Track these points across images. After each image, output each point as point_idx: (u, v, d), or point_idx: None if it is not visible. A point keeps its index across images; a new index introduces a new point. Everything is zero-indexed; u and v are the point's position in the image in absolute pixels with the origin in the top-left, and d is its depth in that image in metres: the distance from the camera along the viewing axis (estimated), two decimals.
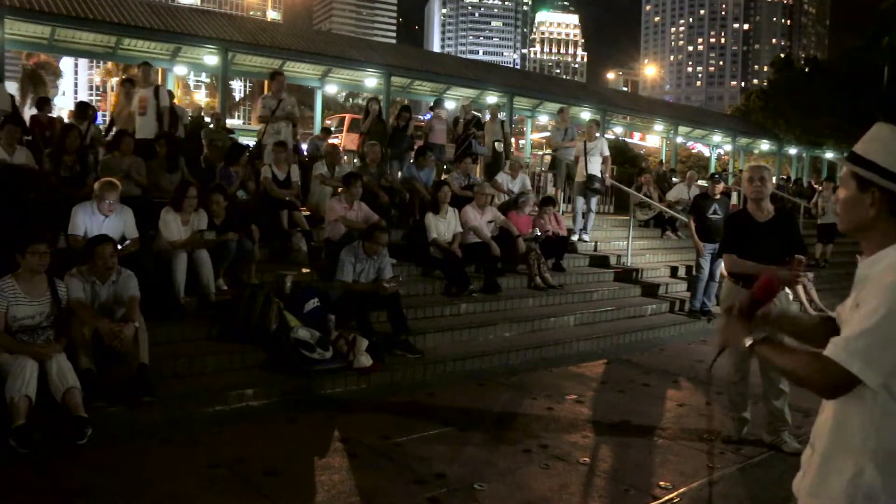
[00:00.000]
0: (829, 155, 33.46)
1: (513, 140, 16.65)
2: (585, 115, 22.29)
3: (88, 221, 5.71)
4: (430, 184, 9.29)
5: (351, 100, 58.34)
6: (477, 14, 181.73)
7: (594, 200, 10.64)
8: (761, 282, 1.97)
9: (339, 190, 7.91)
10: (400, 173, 10.15)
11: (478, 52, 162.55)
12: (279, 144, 8.39)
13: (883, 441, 1.57)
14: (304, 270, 7.07)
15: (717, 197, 8.95)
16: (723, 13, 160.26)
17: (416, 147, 10.96)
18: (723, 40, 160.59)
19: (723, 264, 8.14)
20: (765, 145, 32.92)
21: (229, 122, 14.77)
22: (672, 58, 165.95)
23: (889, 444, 1.57)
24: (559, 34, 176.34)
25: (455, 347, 6.69)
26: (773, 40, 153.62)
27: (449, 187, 8.52)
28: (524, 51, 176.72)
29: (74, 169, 7.03)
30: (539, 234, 9.17)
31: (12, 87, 22.88)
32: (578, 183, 10.45)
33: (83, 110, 10.07)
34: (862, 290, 1.63)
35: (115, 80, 42.67)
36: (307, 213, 8.44)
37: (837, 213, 1.79)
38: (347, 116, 23.90)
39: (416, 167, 9.52)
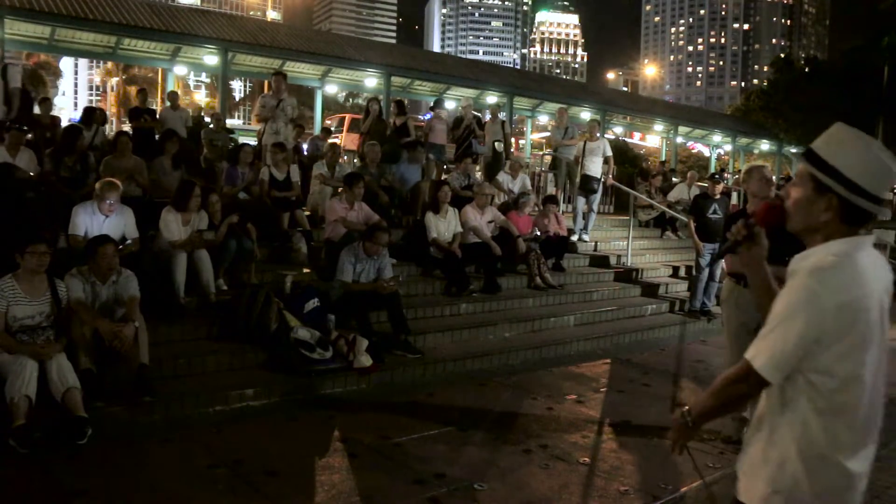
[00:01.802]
0: None
1: (513, 140, 16.65)
2: (585, 115, 22.29)
3: (89, 221, 5.71)
4: (410, 182, 9.27)
5: (351, 100, 58.34)
6: (477, 14, 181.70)
7: (595, 200, 10.64)
8: (764, 204, 1.97)
9: (340, 190, 7.92)
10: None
11: (478, 52, 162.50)
12: (278, 145, 8.38)
13: (809, 436, 1.66)
14: (305, 270, 7.07)
15: (717, 197, 8.96)
16: (723, 13, 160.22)
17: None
18: (723, 40, 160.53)
19: (723, 263, 8.15)
20: (765, 145, 32.92)
21: (229, 122, 14.77)
22: (672, 58, 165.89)
23: (814, 439, 1.66)
24: (559, 34, 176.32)
25: (455, 347, 6.69)
26: (773, 40, 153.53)
27: (449, 187, 8.52)
28: (524, 51, 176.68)
29: (75, 169, 7.02)
30: (539, 234, 9.18)
31: None
32: (576, 183, 10.48)
33: (89, 115, 10.07)
34: (787, 282, 1.70)
35: (115, 80, 42.81)
36: (307, 213, 8.44)
37: (788, 208, 1.80)
38: (347, 116, 23.88)
39: (407, 163, 9.55)
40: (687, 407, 1.87)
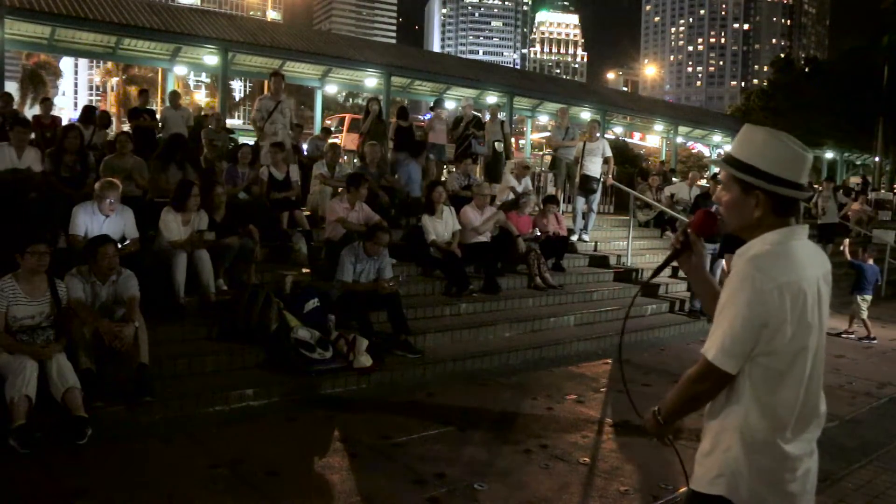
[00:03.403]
0: (829, 155, 33.49)
1: (513, 140, 16.64)
2: (585, 115, 22.30)
3: (89, 221, 5.71)
4: (416, 181, 9.26)
5: (351, 100, 58.34)
6: (477, 14, 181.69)
7: (595, 200, 10.64)
8: (699, 215, 2.04)
9: (340, 190, 7.91)
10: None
11: (478, 52, 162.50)
12: (276, 145, 8.37)
13: (749, 423, 1.76)
14: (304, 270, 7.06)
15: None
16: (723, 13, 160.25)
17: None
18: (723, 40, 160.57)
19: (723, 263, 8.12)
20: None
21: (229, 122, 14.78)
22: (672, 58, 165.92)
23: (754, 426, 1.75)
24: (559, 34, 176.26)
25: (455, 347, 6.69)
26: (773, 40, 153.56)
27: (443, 187, 8.47)
28: (524, 51, 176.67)
29: (75, 169, 7.00)
30: (539, 234, 9.17)
31: (12, 87, 22.87)
32: (576, 183, 10.48)
33: (88, 114, 10.10)
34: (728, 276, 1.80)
35: (115, 80, 42.79)
36: (307, 213, 8.44)
37: (722, 214, 1.89)
38: (347, 116, 23.89)
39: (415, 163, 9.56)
40: (658, 406, 1.98)
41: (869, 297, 9.09)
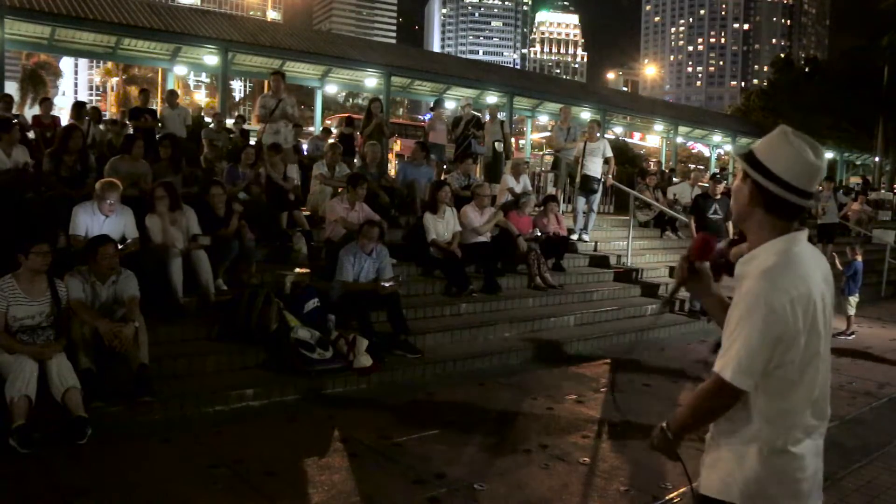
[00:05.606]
0: (829, 155, 33.49)
1: (513, 140, 16.63)
2: (585, 115, 22.29)
3: (89, 221, 5.70)
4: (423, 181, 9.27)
5: (351, 100, 58.34)
6: (477, 14, 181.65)
7: (595, 200, 10.64)
8: (696, 241, 2.04)
9: (340, 190, 7.91)
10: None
11: (478, 52, 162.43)
12: (273, 147, 8.37)
13: (763, 432, 1.76)
14: (304, 270, 7.06)
15: (718, 197, 8.96)
16: (723, 13, 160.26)
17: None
18: (723, 40, 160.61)
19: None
20: None
21: (229, 122, 14.75)
22: (672, 58, 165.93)
23: (767, 434, 1.76)
24: (559, 34, 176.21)
25: (455, 347, 6.69)
26: (773, 40, 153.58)
27: (449, 187, 8.50)
28: (524, 51, 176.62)
29: (75, 169, 7.00)
30: (539, 234, 9.17)
31: (12, 88, 22.86)
32: (576, 183, 10.48)
33: (79, 110, 10.09)
34: (737, 289, 1.79)
35: (115, 80, 42.80)
36: (307, 213, 8.44)
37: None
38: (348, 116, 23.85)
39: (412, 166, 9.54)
40: (665, 423, 1.98)
41: (857, 295, 9.19)
